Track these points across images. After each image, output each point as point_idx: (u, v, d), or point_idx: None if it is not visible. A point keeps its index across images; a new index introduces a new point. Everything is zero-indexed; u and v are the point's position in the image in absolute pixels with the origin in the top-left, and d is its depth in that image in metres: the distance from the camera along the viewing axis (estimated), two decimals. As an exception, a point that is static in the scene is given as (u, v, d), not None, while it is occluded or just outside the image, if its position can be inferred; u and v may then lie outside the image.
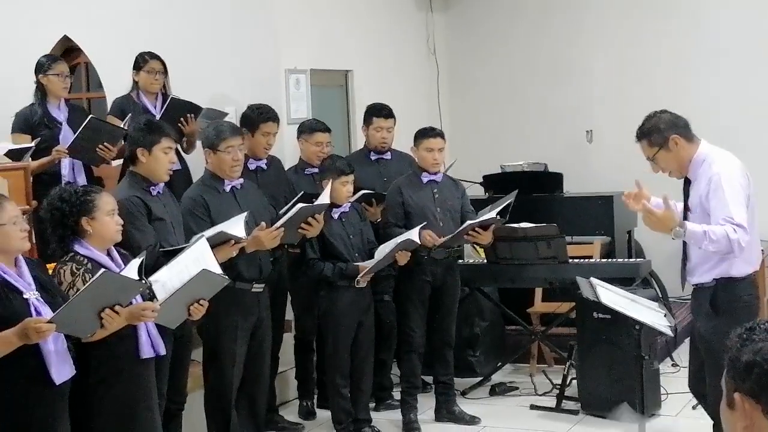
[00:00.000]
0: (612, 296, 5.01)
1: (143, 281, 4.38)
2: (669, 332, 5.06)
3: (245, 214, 5.43)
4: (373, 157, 7.10)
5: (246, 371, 5.74)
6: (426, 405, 6.79)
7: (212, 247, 4.98)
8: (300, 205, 5.66)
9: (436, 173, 6.59)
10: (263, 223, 5.53)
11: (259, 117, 6.48)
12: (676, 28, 8.94)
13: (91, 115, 6.43)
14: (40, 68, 6.64)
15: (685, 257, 4.94)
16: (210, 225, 5.47)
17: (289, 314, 6.94)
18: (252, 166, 6.35)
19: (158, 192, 5.25)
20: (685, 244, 4.89)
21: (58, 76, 6.58)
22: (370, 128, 7.09)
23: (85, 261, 4.37)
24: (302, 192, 6.35)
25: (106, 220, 4.44)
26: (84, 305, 4.06)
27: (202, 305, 4.72)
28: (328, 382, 6.30)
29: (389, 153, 7.14)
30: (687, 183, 4.93)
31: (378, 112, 7.07)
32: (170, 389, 5.12)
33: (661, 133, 4.88)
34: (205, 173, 5.85)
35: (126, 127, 6.36)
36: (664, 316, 5.00)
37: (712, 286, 4.78)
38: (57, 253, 4.44)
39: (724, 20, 8.78)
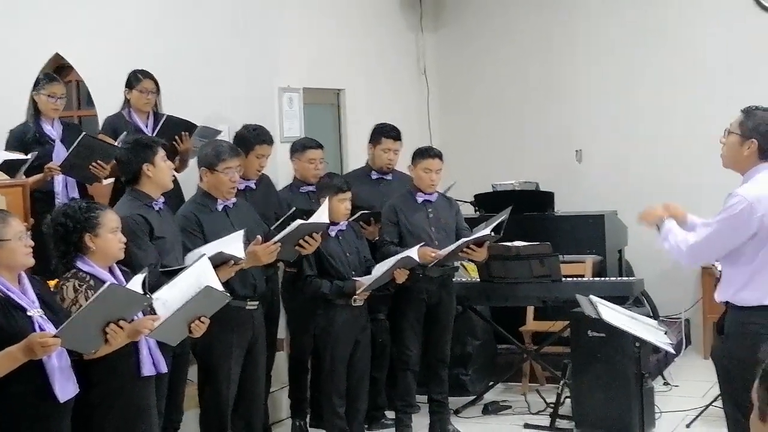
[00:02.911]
0: (613, 314, 5.03)
1: (148, 296, 4.36)
2: (671, 350, 5.08)
3: (242, 232, 5.40)
4: (374, 176, 7.10)
5: (240, 390, 5.71)
6: (420, 424, 6.78)
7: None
8: (299, 221, 5.64)
9: (431, 193, 6.60)
10: (259, 237, 5.48)
11: (255, 138, 6.45)
12: (664, 50, 9.00)
13: (84, 133, 6.40)
14: (35, 85, 6.63)
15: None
16: (203, 242, 5.44)
17: (281, 333, 6.92)
18: (241, 186, 6.27)
19: (159, 208, 5.24)
20: None
21: (48, 96, 6.56)
22: (377, 148, 7.06)
23: (88, 278, 4.35)
24: (294, 209, 6.33)
25: (110, 237, 4.43)
26: (89, 319, 4.04)
27: (203, 322, 4.69)
28: (325, 401, 6.26)
29: (391, 174, 7.13)
30: None
31: (388, 133, 7.06)
32: (168, 407, 5.10)
33: (751, 128, 4.68)
34: (197, 191, 5.81)
35: (120, 145, 6.34)
36: (665, 333, 5.02)
37: (724, 309, 4.76)
38: (59, 269, 4.41)
39: (710, 43, 8.86)
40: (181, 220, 5.56)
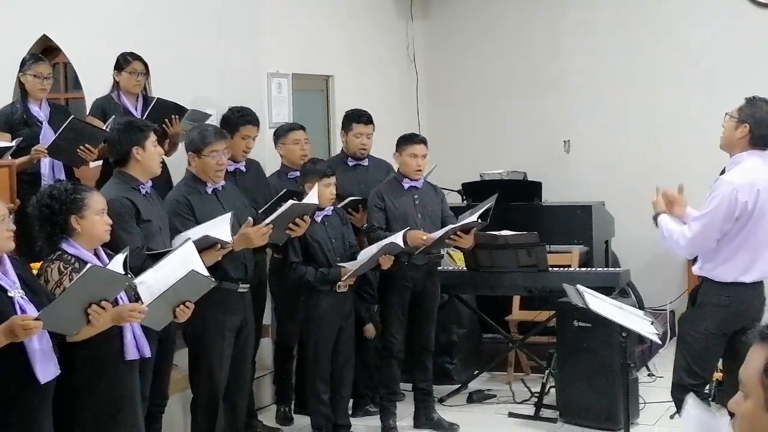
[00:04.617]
0: (600, 304, 5.04)
1: (129, 276, 4.35)
2: (657, 340, 5.13)
3: (230, 214, 5.39)
4: (351, 163, 7.08)
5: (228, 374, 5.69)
6: (405, 411, 6.77)
7: (198, 251, 4.95)
8: (291, 202, 5.63)
9: (417, 179, 6.60)
10: (250, 219, 5.48)
11: (239, 120, 6.46)
12: (654, 41, 9.01)
13: (72, 116, 6.36)
14: (21, 66, 6.58)
15: None
16: (195, 224, 5.42)
17: (267, 319, 6.91)
18: (231, 168, 6.27)
19: (146, 191, 5.22)
20: None
21: (35, 77, 6.51)
22: (349, 134, 7.06)
23: (73, 260, 4.33)
24: (285, 190, 6.33)
25: (96, 219, 4.41)
26: (71, 301, 4.03)
27: (188, 307, 4.69)
28: (309, 387, 6.25)
29: (367, 159, 7.12)
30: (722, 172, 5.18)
31: (358, 118, 7.05)
32: (152, 392, 5.09)
33: (748, 115, 5.01)
34: (186, 175, 5.80)
35: (108, 129, 6.30)
36: (651, 323, 5.04)
37: (700, 282, 5.12)
38: (44, 251, 4.39)
39: (699, 35, 8.87)
40: (173, 203, 5.55)
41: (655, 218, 5.14)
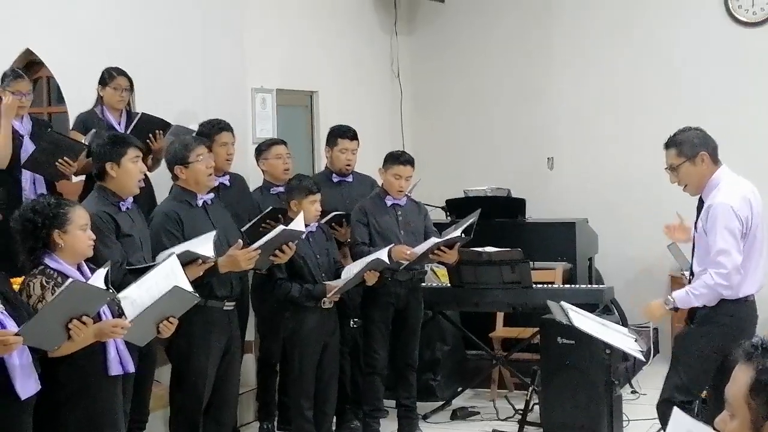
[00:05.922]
0: (584, 320, 5.03)
1: (110, 290, 4.32)
2: (641, 357, 5.12)
3: (214, 233, 5.37)
4: (335, 179, 7.06)
5: (213, 391, 5.64)
6: (388, 428, 6.75)
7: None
8: (281, 227, 5.61)
9: (399, 198, 6.60)
10: (240, 242, 5.46)
11: (212, 129, 6.48)
12: (637, 60, 9.04)
13: (50, 129, 6.32)
14: (2, 81, 6.52)
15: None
16: (183, 240, 5.40)
17: (250, 335, 6.88)
18: (215, 182, 6.26)
19: (127, 207, 5.21)
20: (692, 255, 5.24)
21: (14, 94, 6.44)
22: (334, 150, 7.03)
23: (55, 275, 4.30)
24: (270, 207, 6.31)
25: (79, 234, 4.38)
26: (52, 316, 4.01)
27: (171, 323, 4.66)
28: (293, 404, 6.23)
29: (351, 176, 7.10)
30: (701, 203, 5.15)
31: (343, 133, 7.03)
32: (133, 408, 5.05)
33: (693, 147, 5.08)
34: (175, 189, 5.78)
35: (87, 143, 6.27)
36: (635, 340, 5.03)
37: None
38: (26, 265, 4.36)
39: (683, 53, 8.91)
40: (162, 218, 5.53)
41: (674, 309, 5.18)
